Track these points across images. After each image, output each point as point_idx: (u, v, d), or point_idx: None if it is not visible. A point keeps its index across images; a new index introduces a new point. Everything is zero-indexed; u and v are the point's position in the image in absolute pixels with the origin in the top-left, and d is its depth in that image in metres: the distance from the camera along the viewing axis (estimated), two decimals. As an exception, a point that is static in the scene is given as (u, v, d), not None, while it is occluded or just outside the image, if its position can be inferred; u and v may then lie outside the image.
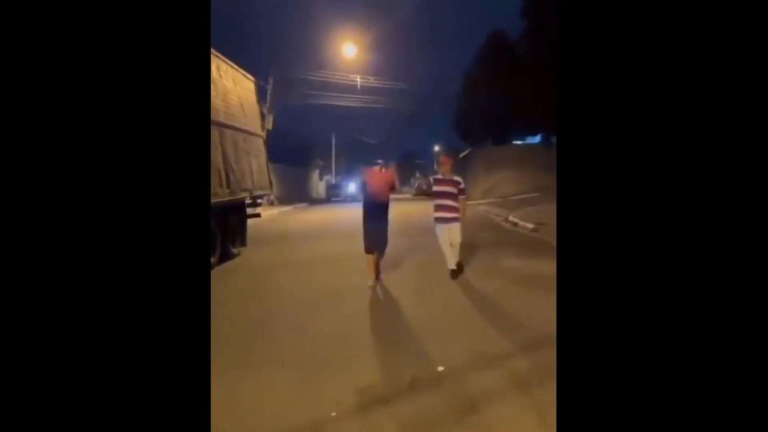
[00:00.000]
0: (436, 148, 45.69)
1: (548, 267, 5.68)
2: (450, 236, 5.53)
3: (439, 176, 5.77)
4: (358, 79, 22.41)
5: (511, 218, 11.97)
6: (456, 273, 5.56)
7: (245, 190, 7.72)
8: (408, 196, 32.27)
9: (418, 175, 48.83)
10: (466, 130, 28.71)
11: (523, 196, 19.08)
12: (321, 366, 3.09)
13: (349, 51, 18.15)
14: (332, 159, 38.48)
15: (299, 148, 33.16)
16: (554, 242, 8.01)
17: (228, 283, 5.85)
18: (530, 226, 10.30)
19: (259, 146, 9.00)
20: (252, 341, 3.66)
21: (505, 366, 2.95)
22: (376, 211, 5.22)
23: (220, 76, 7.27)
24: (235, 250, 7.64)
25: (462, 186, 5.59)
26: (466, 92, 27.60)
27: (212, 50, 6.95)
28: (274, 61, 19.40)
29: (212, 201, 6.29)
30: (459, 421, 2.32)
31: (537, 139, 25.83)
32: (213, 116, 6.64)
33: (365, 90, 24.05)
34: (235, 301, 5.01)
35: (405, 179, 55.16)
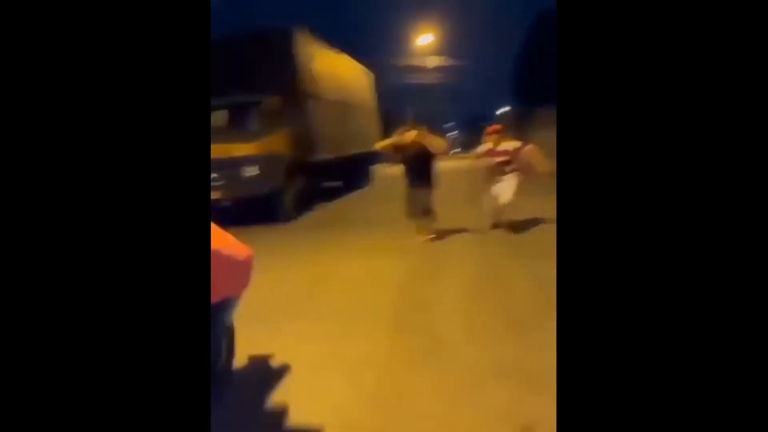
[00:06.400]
0: (498, 111, 47.41)
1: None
2: (497, 193, 5.34)
3: (485, 149, 5.47)
4: (429, 60, 27.80)
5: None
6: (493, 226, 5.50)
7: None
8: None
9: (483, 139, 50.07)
10: (525, 95, 32.77)
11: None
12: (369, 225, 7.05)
13: (424, 39, 23.22)
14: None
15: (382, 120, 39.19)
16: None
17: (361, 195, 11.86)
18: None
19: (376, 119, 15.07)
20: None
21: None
22: (414, 176, 5.21)
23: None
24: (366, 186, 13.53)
25: (517, 147, 5.32)
26: (521, 65, 31.65)
27: (359, 63, 12.70)
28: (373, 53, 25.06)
29: (368, 150, 12.10)
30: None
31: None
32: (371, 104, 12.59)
33: (437, 69, 29.56)
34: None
35: (470, 143, 56.99)
